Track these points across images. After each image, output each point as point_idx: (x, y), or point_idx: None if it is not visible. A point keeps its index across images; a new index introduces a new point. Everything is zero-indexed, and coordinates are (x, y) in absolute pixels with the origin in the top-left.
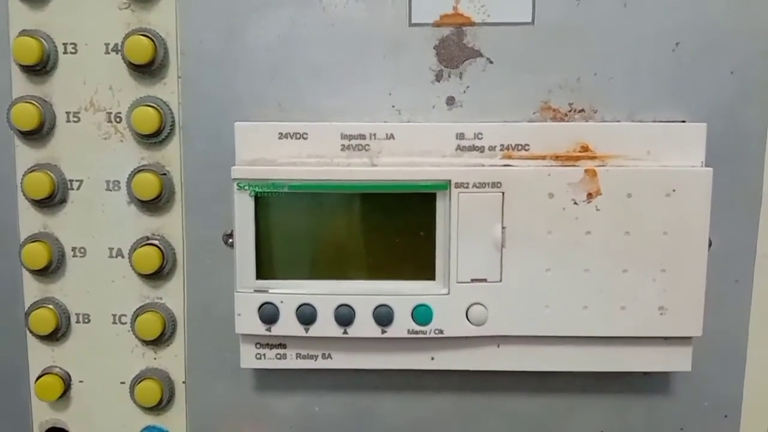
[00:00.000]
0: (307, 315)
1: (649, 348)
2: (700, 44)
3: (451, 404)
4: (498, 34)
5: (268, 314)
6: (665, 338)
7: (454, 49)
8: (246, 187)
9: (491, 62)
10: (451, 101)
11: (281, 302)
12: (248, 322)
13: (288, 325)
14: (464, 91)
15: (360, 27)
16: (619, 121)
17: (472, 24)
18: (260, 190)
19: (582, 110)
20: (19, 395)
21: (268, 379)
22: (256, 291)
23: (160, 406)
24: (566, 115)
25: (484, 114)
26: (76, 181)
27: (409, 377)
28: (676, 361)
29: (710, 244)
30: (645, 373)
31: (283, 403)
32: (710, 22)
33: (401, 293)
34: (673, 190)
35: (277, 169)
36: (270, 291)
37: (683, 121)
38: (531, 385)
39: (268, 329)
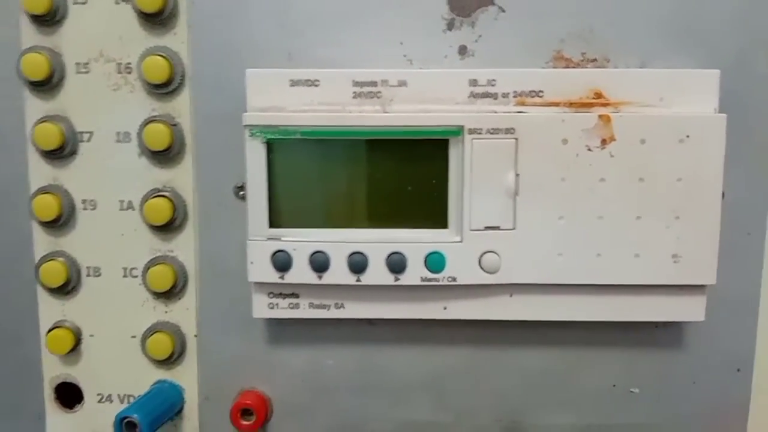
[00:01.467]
0: (320, 262)
1: (662, 297)
2: None
3: (464, 357)
4: None
5: (281, 262)
6: (679, 287)
7: None
8: (258, 134)
9: (503, 11)
10: (463, 50)
11: (294, 250)
12: (261, 270)
13: (301, 272)
14: (476, 41)
15: None
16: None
17: None
18: (272, 137)
19: (594, 59)
20: (29, 349)
21: (279, 333)
22: (268, 239)
23: (172, 360)
24: (578, 64)
25: (496, 64)
26: (86, 132)
27: (422, 329)
28: (689, 310)
29: (723, 197)
30: (657, 326)
31: (295, 356)
32: None
33: (414, 241)
34: (687, 136)
35: (288, 115)
36: (282, 239)
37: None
38: (543, 339)
39: (281, 277)
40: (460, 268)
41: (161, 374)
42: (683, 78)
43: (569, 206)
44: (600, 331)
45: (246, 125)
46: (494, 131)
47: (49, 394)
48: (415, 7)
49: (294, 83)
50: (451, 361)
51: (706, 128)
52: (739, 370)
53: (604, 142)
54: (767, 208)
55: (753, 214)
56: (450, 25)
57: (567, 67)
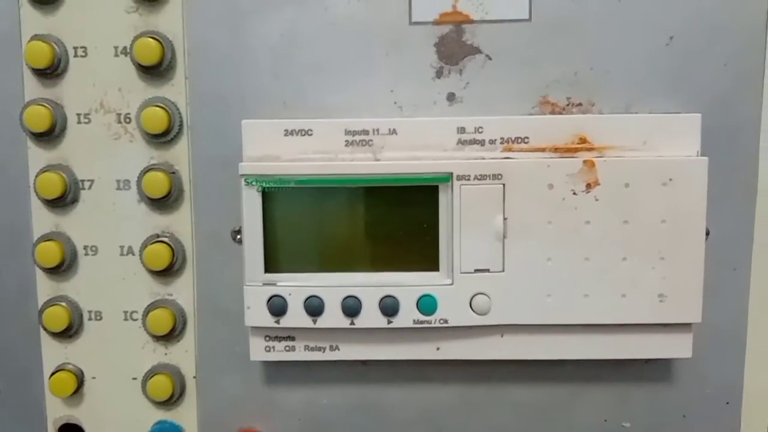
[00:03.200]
0: (314, 307)
1: (650, 335)
2: (694, 37)
3: (457, 395)
4: (496, 31)
5: (277, 307)
6: (665, 325)
7: (454, 46)
8: (254, 183)
9: (490, 59)
10: (451, 97)
11: (289, 295)
12: (257, 314)
13: (296, 317)
14: (464, 87)
15: (361, 25)
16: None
17: (471, 21)
18: (267, 185)
19: (580, 104)
20: (33, 392)
21: (276, 373)
22: (264, 284)
23: (172, 401)
24: (564, 108)
25: (484, 109)
26: (87, 180)
27: (415, 369)
28: (676, 347)
29: (707, 234)
30: (647, 362)
31: (292, 396)
32: (703, 16)
33: (406, 284)
34: (670, 179)
35: (283, 164)
36: (278, 284)
37: (678, 113)
38: (534, 375)
39: (277, 321)
40: (452, 310)
41: (161, 415)
42: (666, 122)
43: (556, 248)
44: (590, 367)
45: (242, 174)
46: (482, 177)
47: None
48: (405, 56)
49: (288, 133)
50: (444, 400)
51: (688, 171)
52: (728, 403)
53: (588, 186)
54: (751, 244)
55: (738, 250)
56: (439, 73)
57: (553, 111)
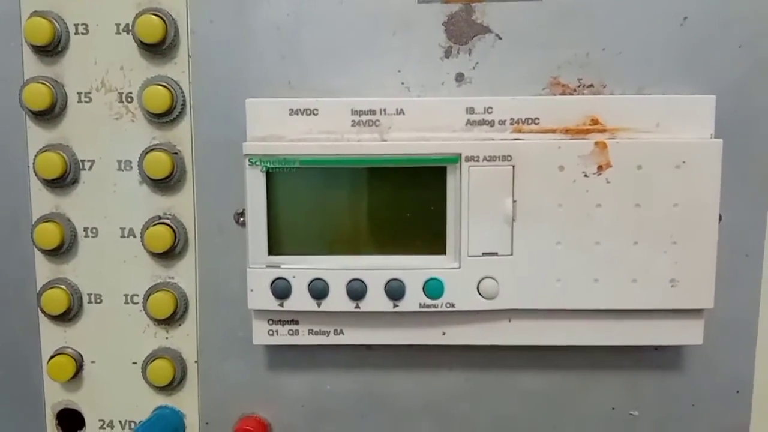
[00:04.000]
0: (319, 289)
1: (660, 321)
2: (708, 19)
3: (462, 381)
4: (506, 10)
5: (281, 289)
6: (677, 311)
7: (463, 25)
8: (257, 163)
9: (500, 38)
10: (460, 77)
11: (293, 277)
12: (261, 297)
13: (300, 299)
14: (473, 68)
15: (369, 4)
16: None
17: (481, 0)
18: (272, 166)
19: (591, 85)
20: (31, 376)
21: (279, 358)
22: (268, 266)
23: (172, 386)
24: (575, 90)
25: (493, 90)
26: (88, 161)
27: (421, 354)
28: (687, 334)
29: (720, 219)
30: (656, 349)
31: (295, 381)
32: None
33: (413, 267)
34: (683, 162)
35: (288, 144)
36: (282, 266)
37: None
38: (542, 362)
39: (281, 304)
40: (459, 294)
41: (162, 400)
42: (679, 104)
43: (566, 232)
44: (599, 354)
45: (246, 154)
46: (491, 159)
47: (50, 420)
48: (413, 36)
49: (293, 112)
50: (450, 386)
51: (702, 154)
52: (738, 391)
53: (600, 168)
54: (764, 230)
55: (751, 236)
56: (447, 53)
57: (563, 93)
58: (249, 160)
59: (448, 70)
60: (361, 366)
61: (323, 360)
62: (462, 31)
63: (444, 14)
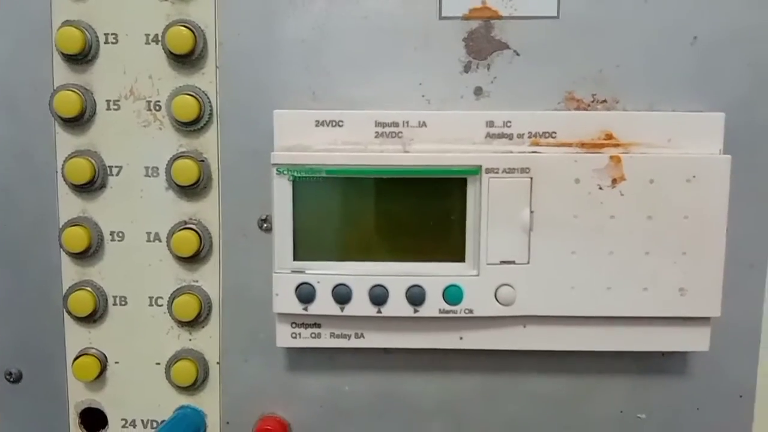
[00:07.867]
0: (342, 295)
1: (669, 328)
2: (718, 38)
3: (477, 385)
4: (524, 28)
5: (305, 294)
6: (685, 319)
7: (483, 41)
8: (285, 172)
9: (518, 54)
10: (478, 91)
11: (318, 282)
12: (285, 301)
13: (324, 304)
14: (492, 82)
15: (392, 19)
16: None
17: (500, 17)
18: (298, 175)
19: (604, 101)
20: (55, 376)
21: (299, 360)
22: (293, 272)
23: (195, 387)
24: (589, 105)
25: (510, 104)
26: (116, 167)
27: (437, 358)
28: (695, 341)
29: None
30: (663, 355)
31: (314, 383)
32: (727, 17)
33: (433, 274)
34: (694, 176)
35: (314, 155)
36: (307, 272)
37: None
38: (553, 366)
39: (305, 308)
40: (477, 301)
41: (184, 400)
42: (690, 121)
43: (581, 242)
44: (608, 359)
45: (274, 163)
46: (510, 171)
47: (74, 418)
48: (434, 51)
49: (319, 123)
50: (465, 389)
51: (711, 169)
52: (741, 396)
53: (614, 181)
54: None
55: (755, 248)
56: (467, 68)
57: (578, 107)
58: (277, 169)
59: (467, 84)
60: (379, 368)
61: (342, 362)
62: (481, 46)
63: (464, 30)
